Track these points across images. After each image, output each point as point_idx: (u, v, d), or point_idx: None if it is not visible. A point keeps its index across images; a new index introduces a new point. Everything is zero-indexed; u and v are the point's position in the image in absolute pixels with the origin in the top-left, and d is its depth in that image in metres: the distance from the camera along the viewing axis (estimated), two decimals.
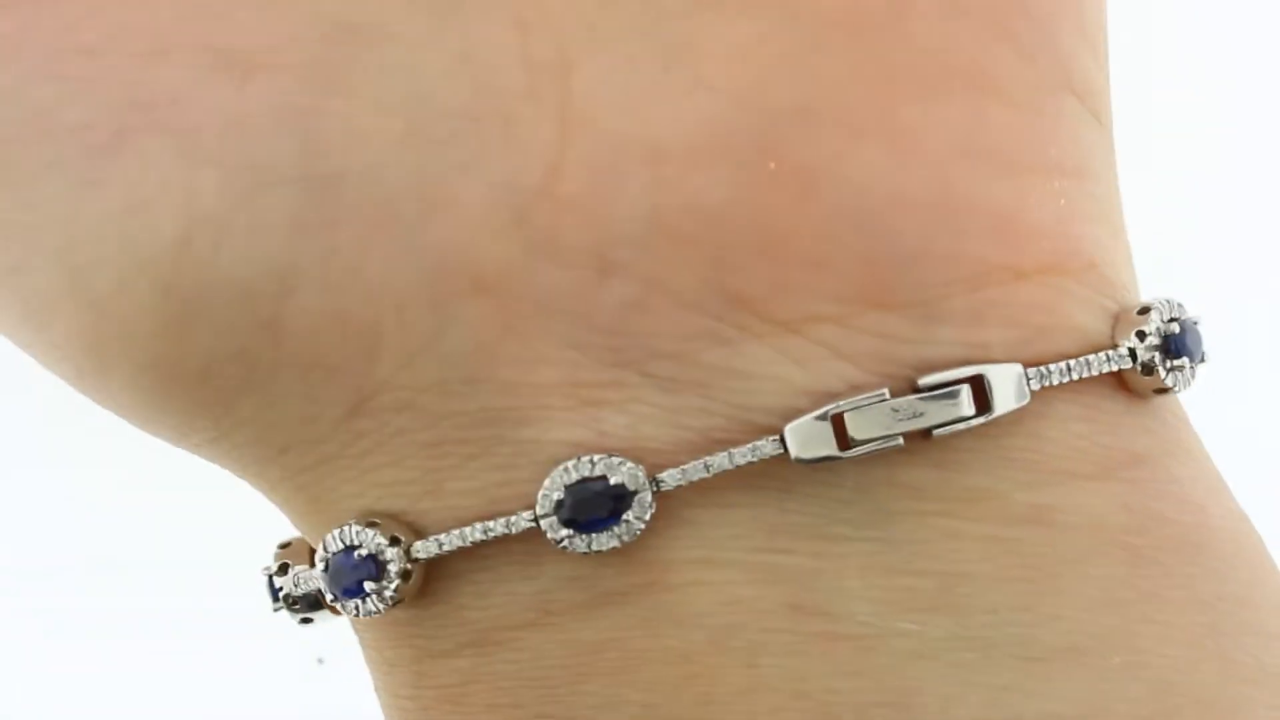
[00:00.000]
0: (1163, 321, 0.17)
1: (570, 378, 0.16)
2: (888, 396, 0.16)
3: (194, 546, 0.45)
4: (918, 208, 0.16)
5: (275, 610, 0.18)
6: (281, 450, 0.17)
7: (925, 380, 0.16)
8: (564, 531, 0.16)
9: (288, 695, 0.47)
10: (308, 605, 0.18)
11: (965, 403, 0.16)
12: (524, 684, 0.16)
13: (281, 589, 0.18)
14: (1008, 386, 0.16)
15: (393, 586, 0.17)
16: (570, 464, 0.16)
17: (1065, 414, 0.17)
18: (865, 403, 0.16)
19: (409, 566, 0.17)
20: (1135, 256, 0.18)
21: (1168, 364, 0.17)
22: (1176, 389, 0.17)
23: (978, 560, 0.16)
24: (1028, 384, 0.16)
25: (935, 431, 0.16)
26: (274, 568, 0.18)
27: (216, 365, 0.16)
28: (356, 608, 0.17)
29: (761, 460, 0.16)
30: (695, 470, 0.16)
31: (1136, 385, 0.17)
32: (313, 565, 0.17)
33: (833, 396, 0.16)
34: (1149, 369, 0.17)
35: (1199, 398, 0.18)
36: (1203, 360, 0.18)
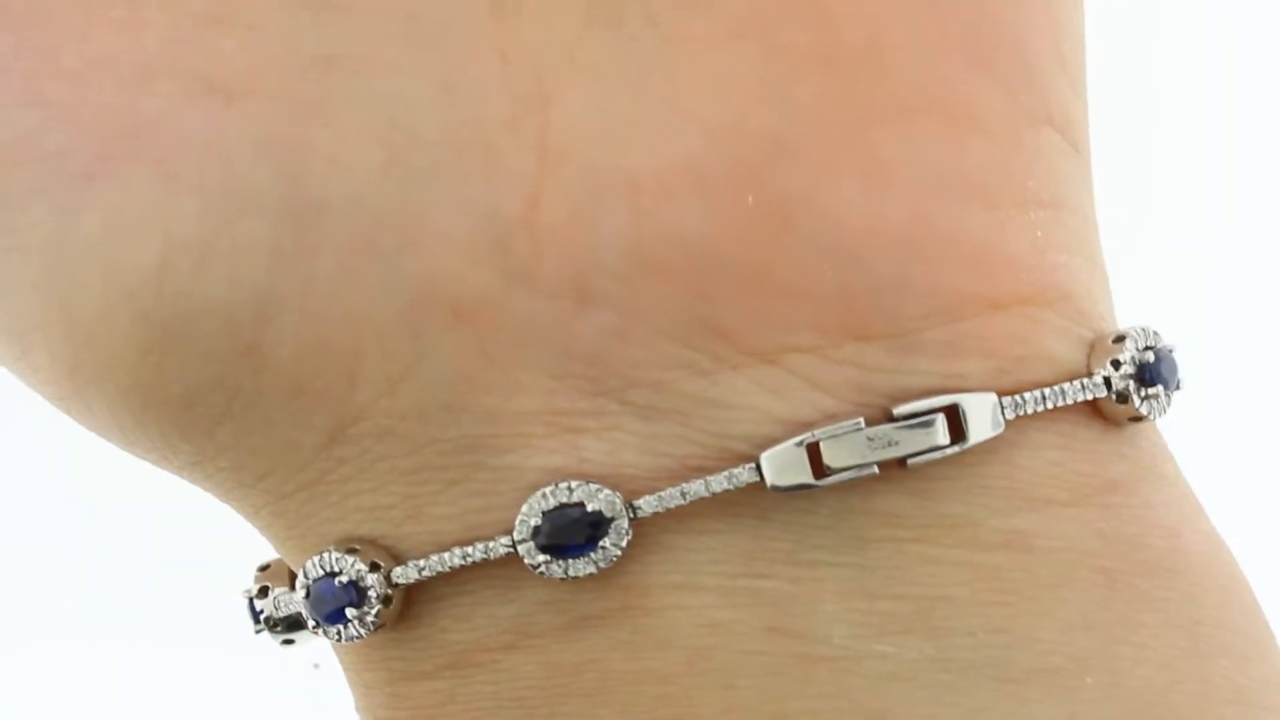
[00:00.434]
0: (1138, 350, 0.17)
1: (550, 405, 0.16)
2: (863, 425, 0.16)
3: (192, 550, 0.45)
4: (895, 240, 0.16)
5: (257, 633, 0.18)
6: (262, 476, 0.17)
7: (900, 409, 0.16)
8: (541, 557, 0.16)
9: (284, 701, 0.47)
10: (288, 627, 0.18)
11: (940, 432, 0.16)
12: (502, 704, 0.17)
13: (262, 611, 0.18)
14: (983, 415, 0.16)
15: (374, 612, 0.17)
16: (548, 490, 0.16)
17: (1040, 442, 0.17)
18: (840, 432, 0.16)
19: (389, 592, 0.17)
20: (1112, 281, 0.18)
21: (1143, 392, 0.17)
22: (1151, 416, 0.17)
23: (954, 585, 0.16)
24: (1002, 413, 0.16)
25: (910, 460, 0.16)
26: (254, 590, 0.18)
27: (197, 392, 0.16)
28: (339, 633, 0.17)
29: (738, 488, 0.16)
30: (672, 497, 0.16)
31: (1111, 413, 0.17)
32: (293, 588, 0.17)
33: (809, 426, 0.16)
34: (1124, 397, 0.17)
35: (1176, 423, 0.18)
36: (1178, 387, 0.18)
